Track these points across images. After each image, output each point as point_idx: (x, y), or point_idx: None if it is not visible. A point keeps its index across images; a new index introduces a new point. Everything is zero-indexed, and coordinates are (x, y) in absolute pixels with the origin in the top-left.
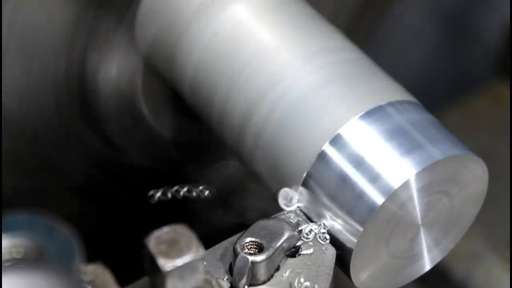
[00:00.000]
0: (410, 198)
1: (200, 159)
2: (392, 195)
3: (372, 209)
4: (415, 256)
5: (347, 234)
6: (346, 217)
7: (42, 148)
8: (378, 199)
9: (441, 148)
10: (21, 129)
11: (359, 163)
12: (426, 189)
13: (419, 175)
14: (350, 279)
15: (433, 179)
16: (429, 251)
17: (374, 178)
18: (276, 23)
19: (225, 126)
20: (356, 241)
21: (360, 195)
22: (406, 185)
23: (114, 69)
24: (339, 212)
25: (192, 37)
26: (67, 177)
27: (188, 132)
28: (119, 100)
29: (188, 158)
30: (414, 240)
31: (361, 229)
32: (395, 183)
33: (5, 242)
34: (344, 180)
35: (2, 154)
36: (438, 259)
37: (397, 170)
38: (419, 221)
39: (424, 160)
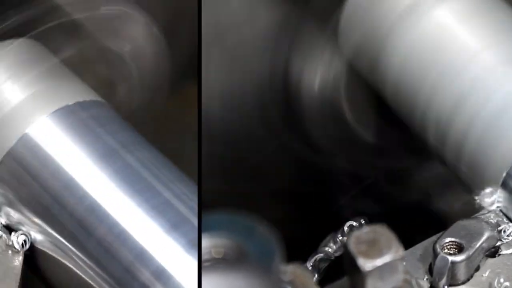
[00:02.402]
0: None
1: (401, 165)
2: None
3: None
4: None
5: None
6: None
7: (244, 151)
8: None
9: None
10: (224, 133)
11: None
12: None
13: None
14: None
15: None
16: None
17: None
18: (480, 27)
19: (427, 126)
20: None
21: None
22: None
23: (318, 74)
24: None
25: (395, 40)
26: (269, 181)
27: (390, 137)
28: (322, 104)
29: (389, 164)
30: None
31: None
32: None
33: (205, 242)
34: None
35: (205, 158)
36: None
37: None
38: None
39: None
